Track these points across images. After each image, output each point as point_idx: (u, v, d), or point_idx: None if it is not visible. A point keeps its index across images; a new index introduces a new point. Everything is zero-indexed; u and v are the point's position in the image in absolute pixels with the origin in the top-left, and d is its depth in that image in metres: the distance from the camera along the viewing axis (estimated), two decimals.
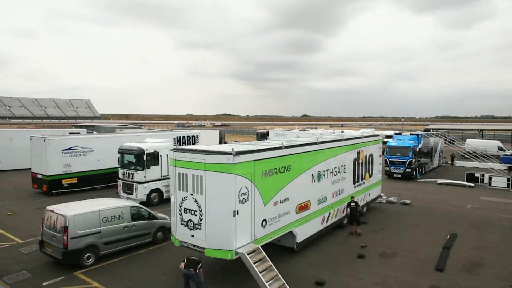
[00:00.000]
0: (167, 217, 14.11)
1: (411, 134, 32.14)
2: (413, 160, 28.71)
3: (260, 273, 9.40)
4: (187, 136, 26.70)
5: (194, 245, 10.46)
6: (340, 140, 16.04)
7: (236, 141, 34.68)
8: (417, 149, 29.16)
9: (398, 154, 28.66)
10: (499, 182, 25.93)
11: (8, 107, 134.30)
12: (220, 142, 40.44)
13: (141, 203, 18.76)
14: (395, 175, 28.87)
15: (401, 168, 28.78)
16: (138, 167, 19.00)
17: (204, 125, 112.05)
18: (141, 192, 18.94)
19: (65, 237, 11.26)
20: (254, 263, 9.54)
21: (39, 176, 22.15)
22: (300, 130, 42.48)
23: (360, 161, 17.25)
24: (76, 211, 11.74)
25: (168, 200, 16.53)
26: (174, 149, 11.02)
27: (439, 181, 27.60)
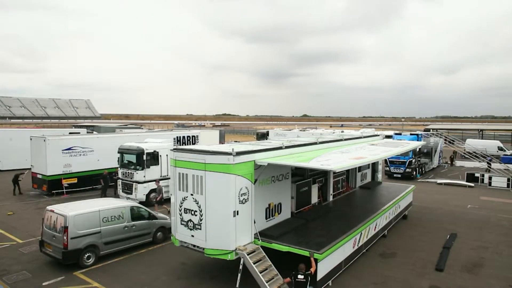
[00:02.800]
0: (167, 217, 14.11)
1: (411, 134, 32.15)
2: (413, 160, 28.73)
3: (260, 273, 9.40)
4: (187, 136, 26.69)
5: (194, 245, 10.47)
6: (341, 140, 16.06)
7: (236, 141, 34.69)
8: (417, 149, 29.17)
9: (398, 154, 28.65)
10: (499, 182, 25.96)
11: (8, 107, 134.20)
12: (220, 142, 40.43)
13: (140, 203, 18.80)
14: (395, 175, 28.88)
15: (401, 168, 28.81)
16: (137, 167, 19.01)
17: (204, 125, 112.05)
18: (141, 192, 18.93)
19: (65, 237, 11.26)
20: (254, 263, 9.54)
21: (39, 176, 22.14)
22: (300, 130, 42.48)
23: None
24: (76, 211, 11.74)
25: (167, 200, 16.52)
26: (174, 149, 11.01)
27: (439, 181, 27.62)
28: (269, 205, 11.32)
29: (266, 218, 11.23)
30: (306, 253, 9.75)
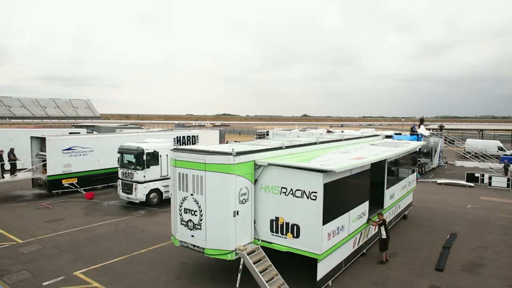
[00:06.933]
0: None
1: (411, 134, 32.13)
2: None
3: (260, 273, 9.40)
4: (187, 136, 26.66)
5: (194, 245, 10.47)
6: (341, 140, 16.05)
7: (236, 141, 34.70)
8: (417, 149, 29.11)
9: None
10: (499, 182, 25.93)
11: (8, 107, 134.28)
12: (220, 142, 40.41)
13: (141, 203, 18.80)
14: None
15: None
16: (137, 167, 18.98)
17: (204, 125, 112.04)
18: (141, 192, 18.91)
19: None
20: (254, 263, 9.54)
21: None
22: (300, 130, 42.48)
23: None
24: None
25: (168, 200, 16.53)
26: (174, 149, 11.01)
27: (439, 181, 27.59)
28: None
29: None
30: (306, 253, 9.74)
